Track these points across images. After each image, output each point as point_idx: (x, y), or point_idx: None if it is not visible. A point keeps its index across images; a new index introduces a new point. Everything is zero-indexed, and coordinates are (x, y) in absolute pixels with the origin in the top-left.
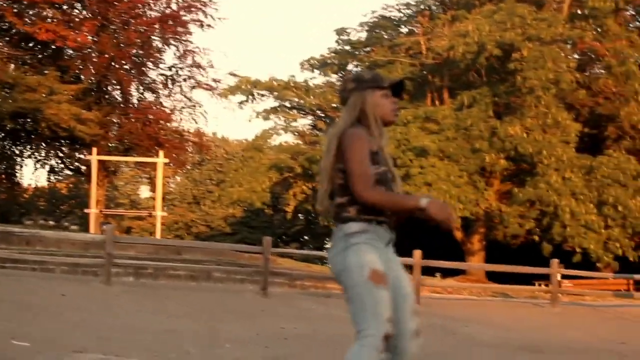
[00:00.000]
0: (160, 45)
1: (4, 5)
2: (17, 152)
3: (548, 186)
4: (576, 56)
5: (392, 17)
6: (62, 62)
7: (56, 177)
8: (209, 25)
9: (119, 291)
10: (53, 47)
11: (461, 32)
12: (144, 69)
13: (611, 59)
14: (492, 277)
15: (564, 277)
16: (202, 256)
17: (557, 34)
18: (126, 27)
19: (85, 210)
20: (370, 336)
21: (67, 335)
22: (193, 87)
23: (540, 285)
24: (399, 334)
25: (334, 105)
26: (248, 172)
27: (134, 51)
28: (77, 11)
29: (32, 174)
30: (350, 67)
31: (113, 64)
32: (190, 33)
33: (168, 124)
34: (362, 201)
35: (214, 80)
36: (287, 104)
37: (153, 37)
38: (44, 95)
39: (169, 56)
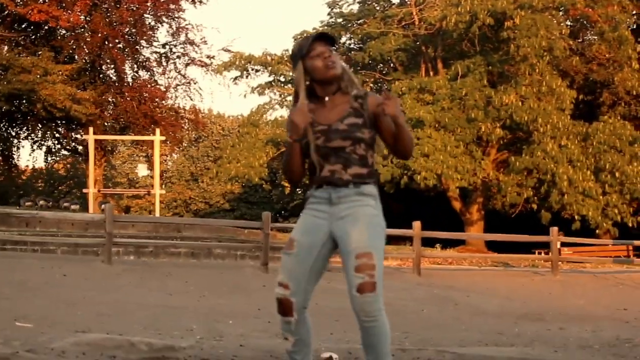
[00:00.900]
0: (152, 23)
1: None
2: (13, 133)
3: (545, 154)
4: (568, 23)
5: None
6: (56, 43)
7: (53, 157)
8: (200, 2)
9: (120, 270)
10: (46, 27)
11: (453, 2)
12: (137, 47)
13: (603, 24)
14: (492, 246)
15: (563, 244)
16: (202, 233)
17: (549, 1)
18: (118, 5)
19: (84, 190)
20: None
21: (70, 316)
22: (187, 64)
23: (540, 253)
24: (348, 291)
25: None
26: (245, 148)
27: (127, 30)
28: None
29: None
30: (343, 39)
31: (106, 43)
32: (182, 10)
33: (163, 102)
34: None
35: (208, 57)
36: (282, 79)
37: (145, 15)
38: (38, 76)
39: (162, 34)
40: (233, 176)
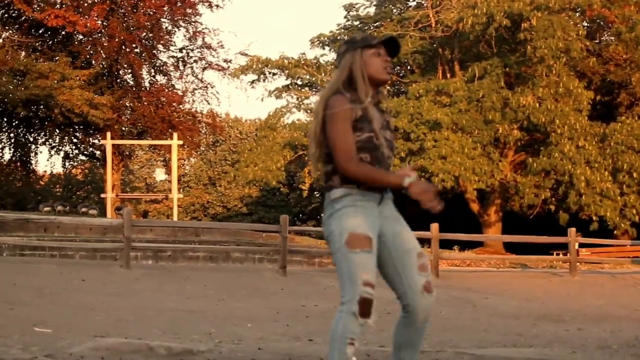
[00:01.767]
0: (169, 27)
1: None
2: (31, 139)
3: (562, 155)
4: (585, 24)
5: None
6: (73, 48)
7: (71, 163)
8: (217, 6)
9: (138, 274)
10: (63, 33)
11: (470, 4)
12: (154, 51)
13: (620, 25)
14: (510, 248)
15: (581, 245)
16: (220, 237)
17: (566, 2)
18: (135, 10)
19: (102, 195)
20: (347, 302)
21: (89, 320)
22: (204, 69)
23: (558, 254)
24: (406, 292)
25: None
26: (262, 152)
27: (144, 34)
28: None
29: (47, 161)
30: None
31: (123, 47)
32: (199, 14)
33: (181, 106)
34: (343, 174)
35: (225, 61)
36: (299, 82)
37: (162, 20)
38: (55, 81)
39: (179, 38)
40: (251, 180)
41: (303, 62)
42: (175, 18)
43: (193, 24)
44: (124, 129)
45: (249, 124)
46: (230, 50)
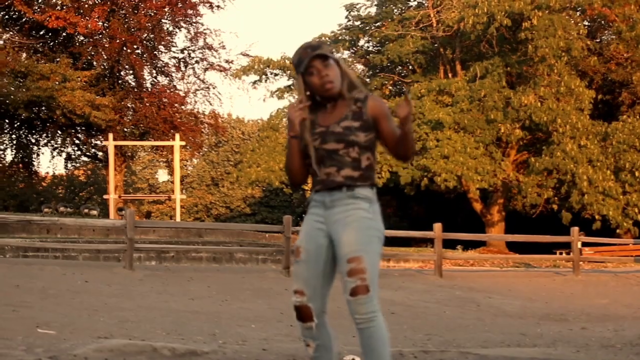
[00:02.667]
0: (171, 28)
1: None
2: (33, 140)
3: (564, 154)
4: (586, 23)
5: None
6: (74, 49)
7: (73, 164)
8: (218, 6)
9: (141, 275)
10: (64, 34)
11: (470, 3)
12: (155, 52)
13: (621, 24)
14: (513, 247)
15: (584, 244)
16: (224, 237)
17: (566, 1)
18: (136, 11)
19: (104, 196)
20: None
21: (92, 322)
22: (206, 69)
23: (561, 253)
24: (345, 297)
25: None
26: (265, 152)
27: (145, 35)
28: None
29: (49, 162)
30: (361, 42)
31: (125, 49)
32: (200, 15)
33: (183, 107)
34: None
35: (227, 62)
36: None
37: (163, 21)
38: (57, 82)
39: (181, 39)
40: (254, 180)
41: None
42: (177, 19)
43: (194, 24)
44: (126, 130)
45: (251, 124)
46: (232, 51)
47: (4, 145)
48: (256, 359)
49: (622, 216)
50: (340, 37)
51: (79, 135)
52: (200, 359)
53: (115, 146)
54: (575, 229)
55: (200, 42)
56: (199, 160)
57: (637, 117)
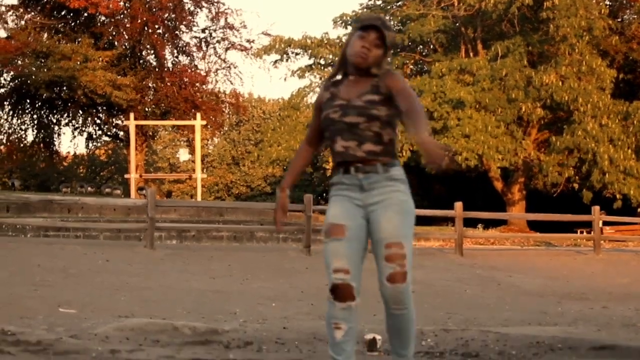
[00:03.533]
0: (192, 8)
1: None
2: (54, 120)
3: (585, 133)
4: (607, 2)
5: None
6: (95, 29)
7: (94, 143)
8: None
9: (162, 255)
10: (85, 14)
11: None
12: (177, 32)
13: None
14: (534, 226)
15: (605, 223)
16: (244, 216)
17: None
18: None
19: (125, 176)
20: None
21: (113, 301)
22: (227, 49)
23: (582, 232)
24: (378, 279)
25: None
26: (286, 131)
27: (167, 15)
28: None
29: (70, 142)
30: None
31: (146, 28)
32: None
33: (204, 86)
34: None
35: (248, 41)
36: (322, 61)
37: (185, 0)
38: (78, 62)
39: (202, 18)
40: (274, 159)
41: (326, 41)
42: None
43: (215, 4)
44: (147, 109)
45: (272, 103)
46: (253, 31)
47: (26, 125)
48: (277, 337)
49: None
50: (362, 16)
51: (100, 115)
52: (220, 337)
53: (137, 126)
54: (596, 208)
55: (222, 22)
56: (220, 140)
57: None
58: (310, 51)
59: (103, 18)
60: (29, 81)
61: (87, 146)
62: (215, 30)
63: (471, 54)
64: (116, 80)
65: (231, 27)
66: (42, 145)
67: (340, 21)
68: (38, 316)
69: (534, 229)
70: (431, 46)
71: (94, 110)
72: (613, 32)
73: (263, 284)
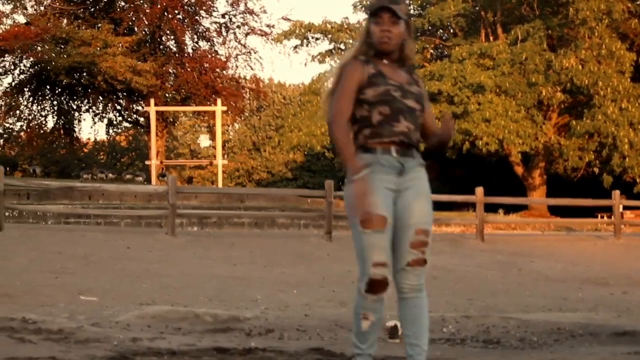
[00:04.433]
0: None
1: None
2: (74, 107)
3: (605, 117)
4: None
5: None
6: (115, 15)
7: (115, 130)
8: None
9: (183, 241)
10: (105, 0)
11: None
12: (197, 17)
13: None
14: (555, 211)
15: (626, 208)
16: (265, 203)
17: None
18: None
19: (146, 162)
20: (359, 281)
21: (134, 288)
22: (247, 34)
23: (602, 217)
24: (393, 265)
25: None
26: (306, 117)
27: (186, 0)
28: None
29: (90, 128)
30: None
31: (166, 14)
32: None
33: (224, 72)
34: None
35: (268, 26)
36: (342, 47)
37: None
38: (98, 48)
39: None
40: (295, 145)
41: (346, 26)
42: None
43: None
44: (167, 95)
45: (292, 89)
46: (273, 15)
47: (46, 111)
48: (298, 324)
49: None
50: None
51: (120, 101)
52: (242, 324)
53: (157, 112)
54: (616, 192)
55: (242, 7)
56: (241, 125)
57: None
58: (330, 36)
59: (122, 3)
60: (48, 67)
61: (107, 132)
62: (235, 15)
63: (491, 38)
64: (136, 66)
65: (251, 12)
66: (62, 131)
67: (360, 5)
68: (59, 304)
69: (555, 214)
70: (451, 30)
71: (114, 96)
72: (632, 15)
73: (284, 270)
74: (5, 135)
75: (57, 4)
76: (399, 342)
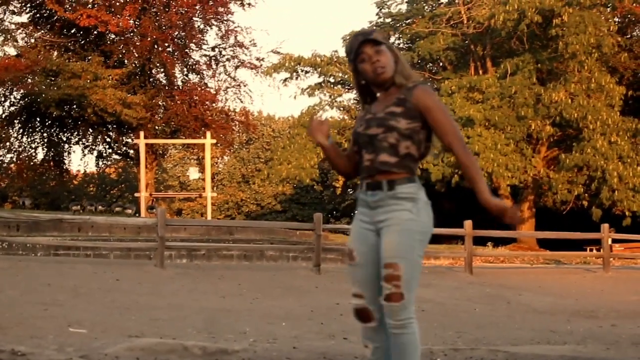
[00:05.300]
0: (202, 26)
1: None
2: (64, 139)
3: (595, 151)
4: (616, 19)
5: None
6: (105, 47)
7: (105, 162)
8: (249, 4)
9: (172, 274)
10: (95, 32)
11: (501, 0)
12: (187, 50)
13: None
14: (543, 244)
15: (614, 241)
16: (254, 235)
17: None
18: (167, 9)
19: (136, 194)
20: None
21: (123, 320)
22: (237, 67)
23: (591, 250)
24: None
25: None
26: (296, 149)
27: (176, 33)
28: None
29: (80, 160)
30: (392, 39)
31: (156, 47)
32: (231, 12)
33: (214, 105)
34: None
35: (257, 59)
36: (332, 80)
37: (194, 18)
38: (88, 81)
39: (212, 37)
40: (284, 177)
41: (335, 59)
42: (207, 17)
43: (225, 22)
44: (157, 127)
45: (282, 121)
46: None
47: (36, 143)
48: (287, 357)
49: None
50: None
51: (110, 133)
52: (231, 357)
53: (147, 144)
54: (605, 226)
55: (231, 40)
56: (230, 158)
57: None
58: (319, 69)
59: (113, 36)
60: (39, 99)
61: (97, 164)
62: (225, 49)
63: (480, 72)
64: (126, 98)
65: (241, 45)
66: (52, 163)
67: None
68: (48, 336)
69: (544, 247)
70: (440, 64)
71: (104, 129)
72: (622, 49)
73: (273, 303)
74: None
75: (48, 36)
76: None
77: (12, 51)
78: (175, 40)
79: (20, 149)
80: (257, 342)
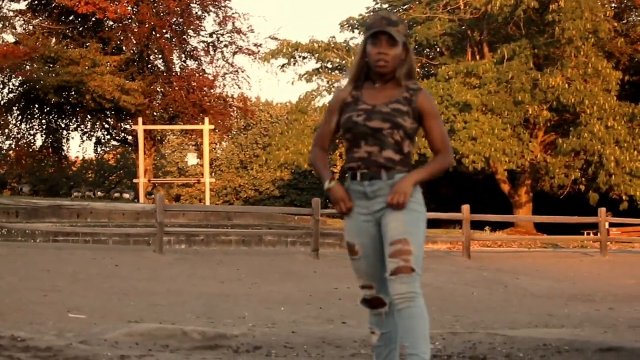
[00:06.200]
0: (199, 12)
1: None
2: (62, 125)
3: (592, 135)
4: (613, 5)
5: None
6: (103, 34)
7: (103, 148)
8: None
9: (171, 259)
10: (93, 19)
11: None
12: (184, 37)
13: None
14: (541, 228)
15: (611, 225)
16: (253, 220)
17: None
18: None
19: (134, 180)
20: None
21: (122, 306)
22: (234, 53)
23: (588, 234)
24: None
25: None
26: (294, 135)
27: (174, 19)
28: None
29: (79, 147)
30: None
31: (154, 33)
32: None
33: (211, 91)
34: None
35: (255, 45)
36: (329, 65)
37: (192, 5)
38: (86, 67)
39: (209, 23)
40: (282, 163)
41: (333, 45)
42: (205, 3)
43: (223, 8)
44: (155, 114)
45: (279, 107)
46: (260, 35)
47: (34, 130)
48: (285, 341)
49: None
50: (368, 20)
51: (109, 120)
52: (229, 342)
53: (145, 130)
54: (602, 210)
55: (229, 26)
56: (228, 143)
57: None
58: (317, 55)
59: (111, 23)
60: (37, 86)
61: (95, 151)
62: (222, 35)
63: (477, 57)
64: (124, 84)
65: (238, 31)
66: (50, 150)
67: (347, 25)
68: (47, 322)
69: (541, 231)
70: (437, 49)
71: (103, 115)
72: (618, 34)
73: (271, 287)
74: None
75: (46, 23)
76: None
77: (10, 38)
78: (173, 26)
79: (19, 136)
80: (256, 327)
